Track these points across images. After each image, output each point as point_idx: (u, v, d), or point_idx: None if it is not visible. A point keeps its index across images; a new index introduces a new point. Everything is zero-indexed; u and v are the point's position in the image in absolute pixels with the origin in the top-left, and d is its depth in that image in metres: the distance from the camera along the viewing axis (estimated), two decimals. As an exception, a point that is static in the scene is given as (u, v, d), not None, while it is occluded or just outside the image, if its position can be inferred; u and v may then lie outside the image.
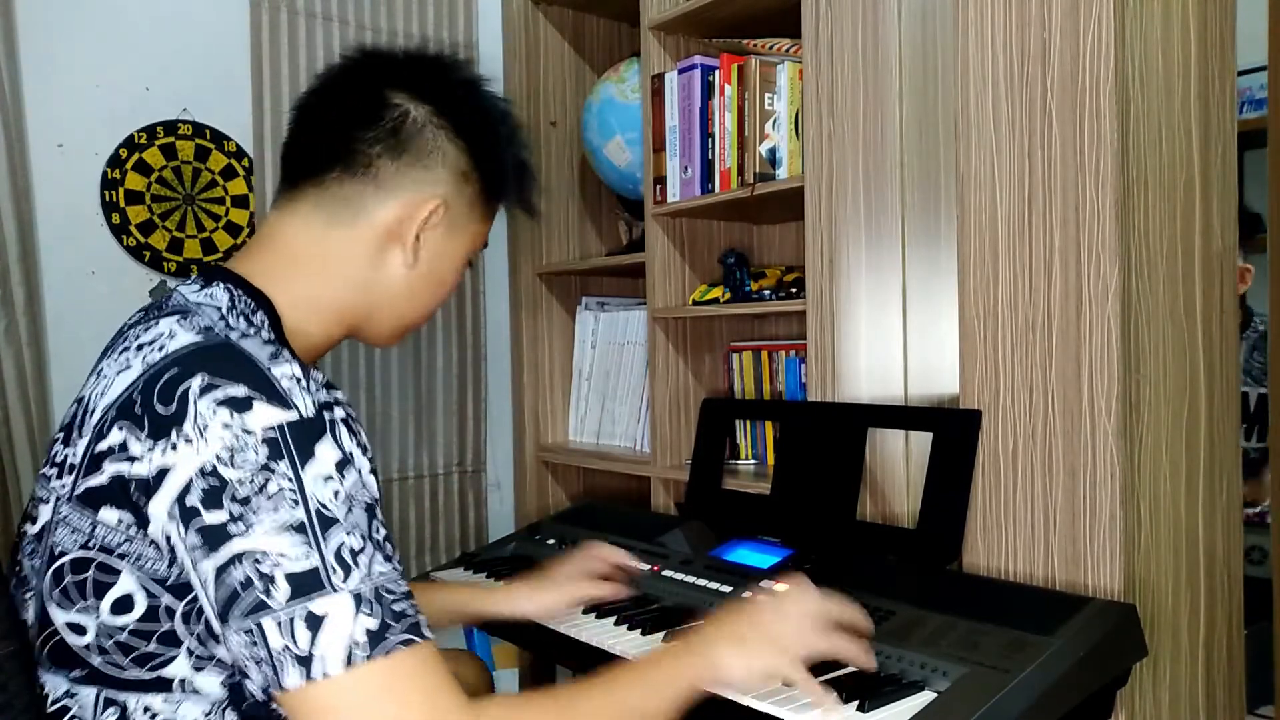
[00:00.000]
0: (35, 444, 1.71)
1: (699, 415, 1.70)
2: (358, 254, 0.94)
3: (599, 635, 1.21)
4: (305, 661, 0.72)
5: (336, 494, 0.75)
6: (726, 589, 1.29)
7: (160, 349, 0.80)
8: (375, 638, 0.73)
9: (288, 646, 0.72)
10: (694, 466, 1.66)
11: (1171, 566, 1.19)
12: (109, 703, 0.80)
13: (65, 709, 0.81)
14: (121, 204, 1.85)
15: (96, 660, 0.80)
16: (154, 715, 0.80)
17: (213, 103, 1.93)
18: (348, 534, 0.75)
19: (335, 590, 0.73)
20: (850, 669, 1.06)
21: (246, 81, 1.95)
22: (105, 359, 0.86)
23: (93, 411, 0.81)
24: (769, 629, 0.98)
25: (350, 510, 0.76)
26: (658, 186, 1.83)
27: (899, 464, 1.44)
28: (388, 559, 0.77)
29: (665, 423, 1.87)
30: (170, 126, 1.89)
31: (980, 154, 1.24)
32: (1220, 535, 1.27)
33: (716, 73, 1.71)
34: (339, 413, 0.79)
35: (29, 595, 0.84)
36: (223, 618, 0.74)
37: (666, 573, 1.38)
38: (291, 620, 0.72)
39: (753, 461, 1.87)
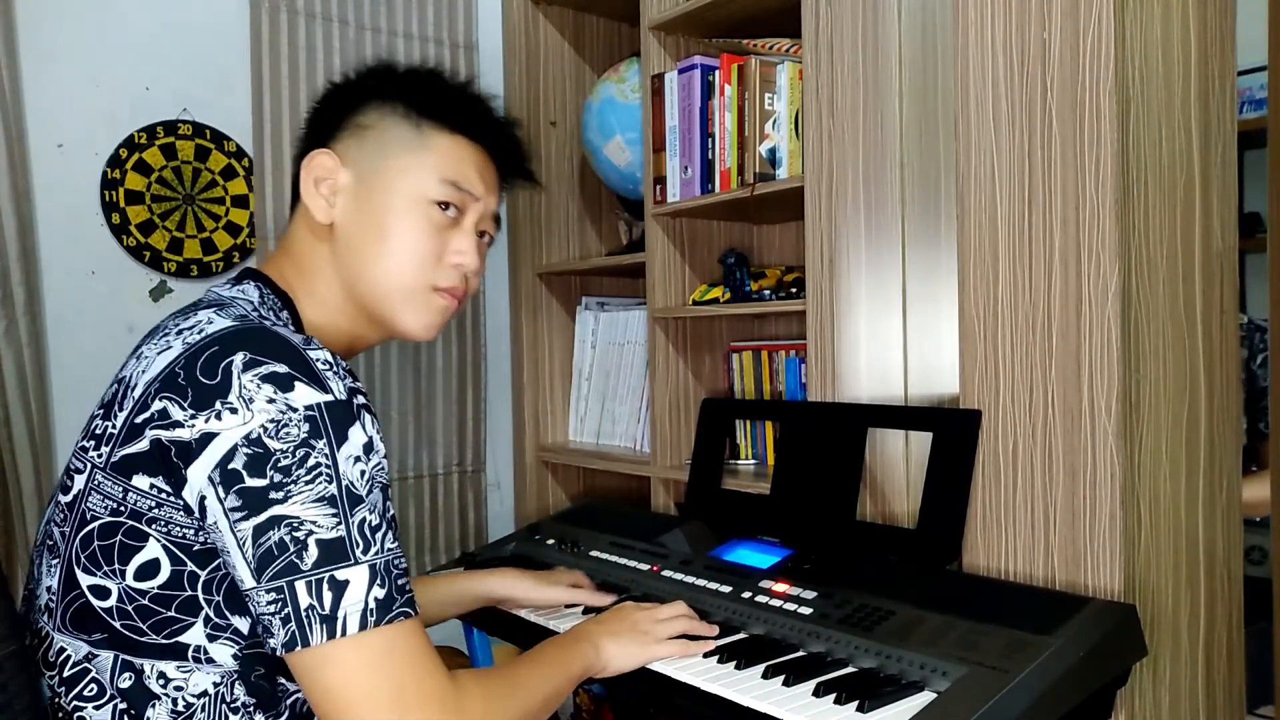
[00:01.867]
0: (35, 444, 1.71)
1: (699, 415, 1.70)
2: (305, 245, 1.02)
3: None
4: (329, 621, 0.79)
5: (362, 474, 0.82)
6: (726, 589, 1.29)
7: (199, 331, 0.86)
8: (383, 606, 0.80)
9: (313, 605, 0.78)
10: (694, 466, 1.66)
11: (1171, 566, 1.19)
12: (125, 666, 0.85)
13: (84, 671, 0.85)
14: (121, 204, 1.85)
15: (117, 624, 0.84)
16: (167, 681, 0.85)
17: (213, 103, 1.93)
18: (369, 512, 0.82)
19: (356, 561, 0.80)
20: (850, 669, 1.06)
21: (246, 81, 1.95)
22: (145, 344, 0.91)
23: (134, 387, 0.85)
24: (634, 625, 1.12)
25: (371, 490, 0.83)
26: (658, 186, 1.83)
27: (899, 464, 1.44)
28: (395, 539, 0.84)
29: (665, 423, 1.87)
30: (170, 126, 1.89)
31: (980, 154, 1.24)
32: (1220, 535, 1.27)
33: (716, 73, 1.71)
34: (363, 400, 0.85)
35: (55, 561, 0.88)
36: (256, 575, 0.79)
37: (666, 573, 1.38)
38: (320, 582, 0.79)
39: (753, 461, 1.87)
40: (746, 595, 1.25)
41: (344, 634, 0.79)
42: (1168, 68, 1.18)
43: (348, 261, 1.00)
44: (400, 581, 0.83)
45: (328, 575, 0.79)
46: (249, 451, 0.79)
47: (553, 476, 2.27)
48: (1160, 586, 1.17)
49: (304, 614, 0.78)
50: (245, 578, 0.80)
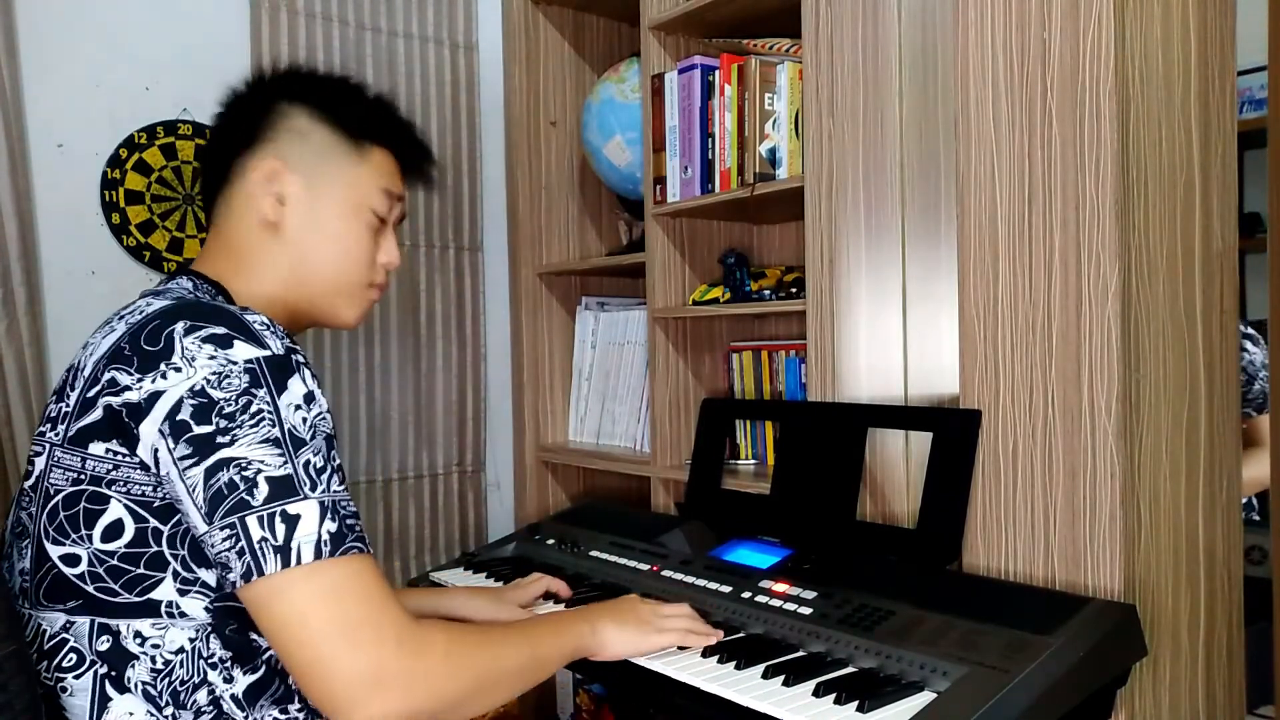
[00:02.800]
0: (35, 444, 1.71)
1: (699, 415, 1.70)
2: (247, 242, 1.07)
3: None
4: (282, 551, 0.82)
5: (304, 420, 0.87)
6: (726, 589, 1.29)
7: (140, 313, 0.92)
8: (336, 539, 0.84)
9: (265, 538, 0.82)
10: (694, 466, 1.66)
11: (1171, 566, 1.19)
12: (102, 629, 0.88)
13: (63, 642, 0.88)
14: (121, 204, 1.85)
15: (90, 588, 0.87)
16: (144, 640, 0.88)
17: (213, 103, 1.91)
18: (313, 454, 0.86)
19: (305, 496, 0.84)
20: (850, 669, 1.06)
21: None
22: (94, 335, 0.97)
23: (84, 369, 0.91)
24: (638, 614, 1.14)
25: (314, 436, 0.87)
26: (658, 186, 1.83)
27: (899, 464, 1.44)
28: (341, 482, 0.88)
29: (665, 423, 1.87)
30: (170, 126, 1.89)
31: (980, 154, 1.24)
32: (1220, 535, 1.27)
33: (716, 73, 1.71)
34: (301, 358, 0.90)
35: (25, 543, 0.91)
36: (208, 518, 0.83)
37: (666, 573, 1.38)
38: (272, 516, 0.82)
39: (753, 461, 1.87)
40: (746, 595, 1.26)
41: (298, 562, 0.82)
42: (1168, 68, 1.18)
43: (295, 260, 1.07)
44: (350, 521, 0.86)
45: (279, 509, 0.82)
46: (194, 402, 0.84)
47: (553, 476, 2.27)
48: (1160, 586, 1.17)
49: (257, 546, 0.82)
50: (198, 523, 0.84)
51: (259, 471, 0.83)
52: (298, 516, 0.83)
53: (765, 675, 1.05)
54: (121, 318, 0.94)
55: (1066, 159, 1.16)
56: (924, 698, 0.98)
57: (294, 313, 1.09)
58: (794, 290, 1.64)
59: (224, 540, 0.83)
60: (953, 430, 1.27)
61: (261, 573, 0.81)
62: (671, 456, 1.86)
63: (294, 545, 0.82)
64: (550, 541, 1.63)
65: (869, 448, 1.42)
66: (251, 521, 0.82)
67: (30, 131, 1.75)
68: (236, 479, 0.82)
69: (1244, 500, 1.41)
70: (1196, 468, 1.23)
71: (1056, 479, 1.17)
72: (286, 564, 0.81)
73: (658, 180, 1.83)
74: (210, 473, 0.83)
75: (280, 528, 0.82)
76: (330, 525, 0.84)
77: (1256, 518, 1.80)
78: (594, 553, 1.53)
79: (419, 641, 0.86)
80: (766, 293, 1.71)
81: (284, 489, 0.83)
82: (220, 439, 0.83)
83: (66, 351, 1.79)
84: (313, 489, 0.84)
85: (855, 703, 0.96)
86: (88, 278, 1.83)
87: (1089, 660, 0.98)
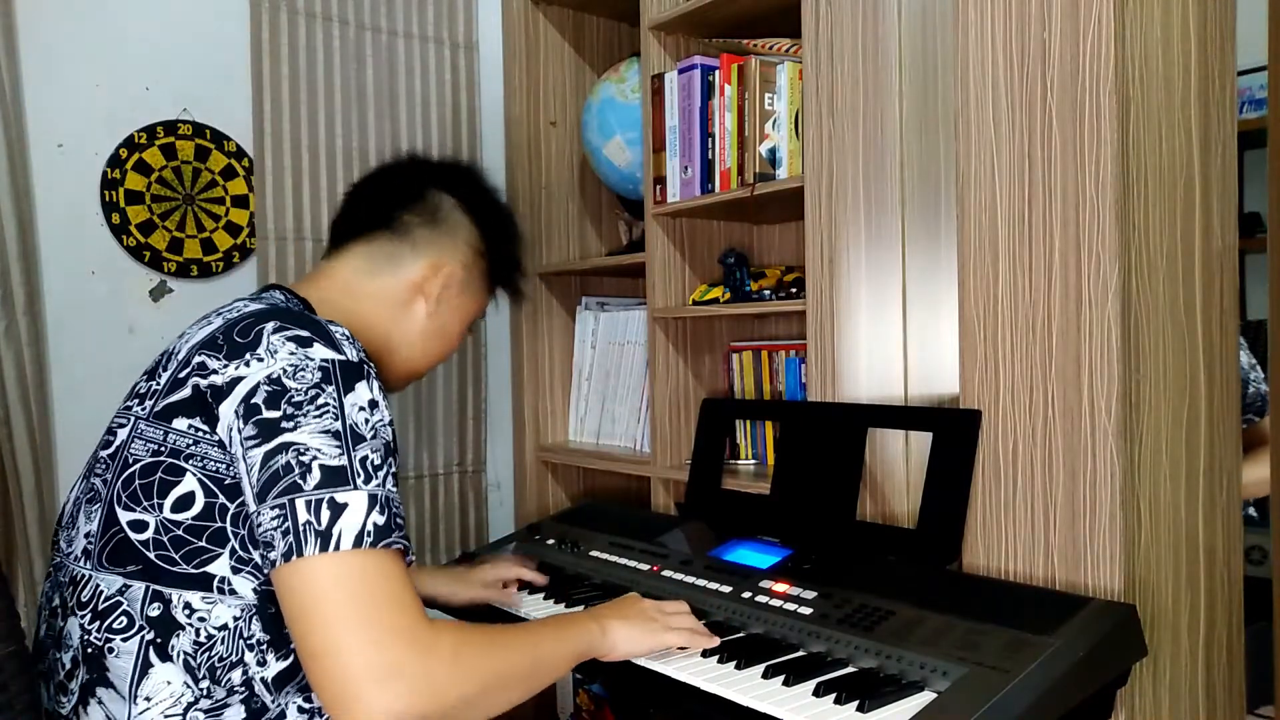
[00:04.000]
0: (35, 444, 1.70)
1: (699, 415, 1.70)
2: (389, 299, 1.17)
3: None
4: (324, 535, 0.85)
5: (367, 420, 0.92)
6: (726, 589, 1.29)
7: (237, 311, 1.01)
8: (381, 532, 0.87)
9: (310, 522, 0.85)
10: (694, 466, 1.66)
11: (1171, 566, 1.19)
12: (155, 596, 0.92)
13: (117, 604, 0.92)
14: (121, 204, 1.85)
15: (151, 554, 0.92)
16: (191, 611, 0.92)
17: (213, 103, 1.93)
18: (371, 451, 0.91)
19: (356, 487, 0.88)
20: (850, 669, 1.06)
21: (246, 81, 1.95)
22: (191, 327, 1.05)
23: (178, 353, 0.99)
24: (643, 612, 1.15)
25: (375, 437, 0.92)
26: (658, 186, 1.83)
27: (899, 464, 1.44)
28: (396, 485, 0.92)
29: (665, 423, 1.87)
30: (170, 126, 1.89)
31: (980, 154, 1.24)
32: (1220, 535, 1.27)
33: (716, 73, 1.71)
34: (374, 371, 0.97)
35: (96, 507, 0.97)
36: (260, 496, 0.87)
37: (666, 573, 1.38)
38: (320, 502, 0.86)
39: (753, 461, 1.87)
40: (746, 595, 1.26)
41: (336, 548, 0.84)
42: (1168, 68, 1.18)
43: (407, 340, 1.19)
44: (399, 519, 0.90)
45: (328, 496, 0.86)
46: (269, 389, 0.90)
47: (553, 476, 2.27)
48: (1160, 586, 1.17)
49: (302, 528, 0.85)
50: (251, 501, 0.88)
51: (315, 458, 0.87)
52: (345, 505, 0.86)
53: (765, 675, 1.05)
54: (220, 314, 1.03)
55: (1066, 159, 1.16)
56: (924, 698, 0.98)
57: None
58: (794, 290, 1.64)
59: (272, 520, 0.86)
60: (953, 430, 1.27)
61: (301, 554, 0.84)
62: (671, 456, 1.86)
63: (336, 531, 0.85)
64: (550, 541, 1.63)
65: (869, 448, 1.42)
66: (300, 504, 0.85)
67: (30, 131, 1.75)
68: (293, 462, 0.87)
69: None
70: (1196, 468, 1.23)
71: (1056, 479, 1.17)
72: (325, 548, 0.84)
73: (658, 180, 1.83)
74: (270, 455, 0.87)
75: (325, 513, 0.85)
76: (378, 518, 0.87)
77: (1254, 514, 1.79)
78: (594, 553, 1.53)
79: (430, 643, 0.86)
80: (766, 293, 1.71)
81: (336, 478, 0.87)
82: (285, 424, 0.88)
83: (66, 351, 1.79)
84: (366, 481, 0.88)
85: (855, 703, 0.96)
86: (88, 278, 1.82)
87: (1089, 660, 0.98)
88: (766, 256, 1.99)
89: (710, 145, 1.73)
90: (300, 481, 0.86)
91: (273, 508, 0.86)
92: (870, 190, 1.44)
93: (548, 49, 2.23)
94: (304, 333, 0.94)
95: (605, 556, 1.51)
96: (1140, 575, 1.14)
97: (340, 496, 0.86)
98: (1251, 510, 1.81)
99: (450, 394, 2.23)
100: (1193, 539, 1.22)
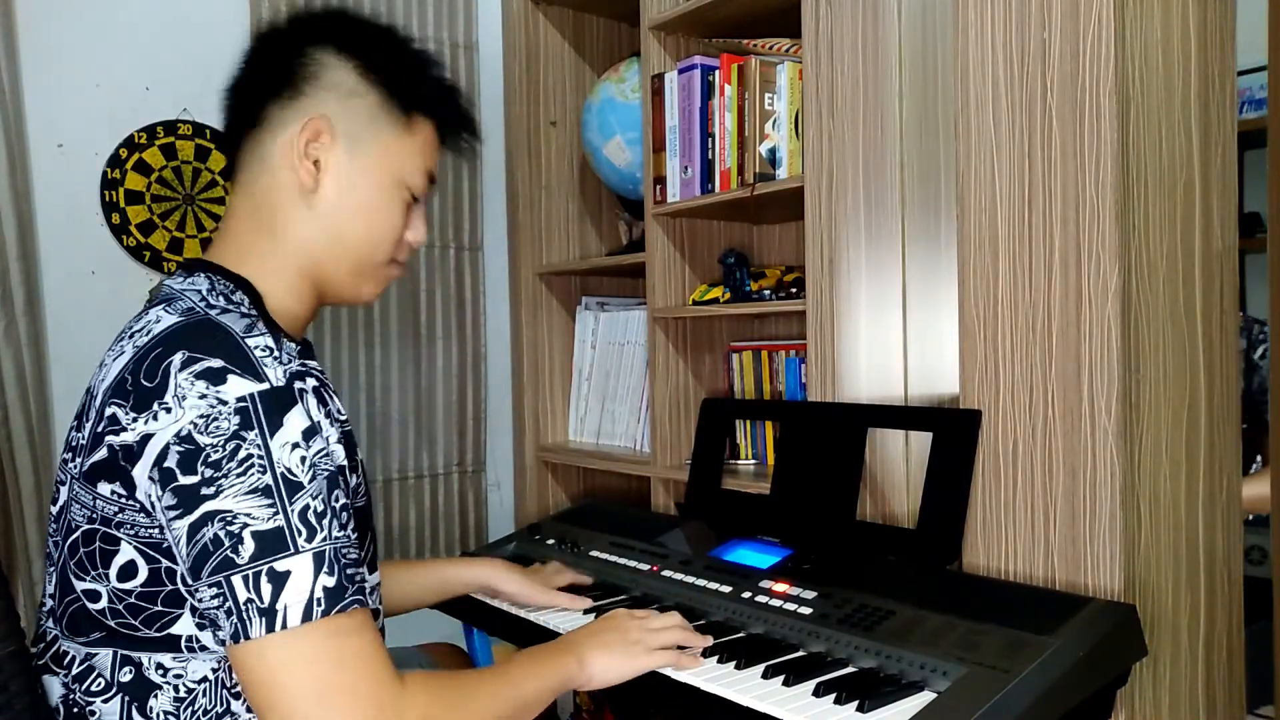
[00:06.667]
0: (35, 444, 1.71)
1: (699, 415, 1.70)
2: (276, 202, 0.99)
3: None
4: (268, 614, 0.77)
5: (303, 459, 0.81)
6: (726, 589, 1.29)
7: (148, 333, 0.87)
8: (333, 595, 0.79)
9: (251, 599, 0.77)
10: (694, 466, 1.66)
11: (1171, 566, 1.19)
12: (125, 661, 0.86)
13: (90, 669, 0.88)
14: (121, 204, 1.85)
15: (111, 623, 0.86)
16: (165, 671, 0.86)
17: (213, 103, 1.91)
18: (312, 498, 0.81)
19: (299, 550, 0.79)
20: (850, 669, 1.06)
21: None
22: (107, 354, 0.92)
23: (96, 397, 0.88)
24: (624, 634, 1.09)
25: (314, 478, 0.82)
26: (658, 186, 1.83)
27: (899, 464, 1.44)
28: (343, 527, 0.83)
29: (665, 423, 1.87)
30: (170, 126, 1.89)
31: (980, 154, 1.24)
32: (1220, 535, 1.27)
33: (716, 73, 1.71)
34: (310, 382, 0.86)
35: (52, 569, 0.91)
36: (194, 573, 0.79)
37: (666, 573, 1.38)
38: (258, 575, 0.78)
39: (753, 461, 1.87)
40: (746, 595, 1.26)
41: (284, 626, 0.77)
42: (1168, 68, 1.18)
43: (325, 232, 0.99)
44: (350, 571, 0.81)
45: (266, 568, 0.78)
46: (180, 449, 0.79)
47: (553, 476, 2.27)
48: (1160, 586, 1.17)
49: (243, 608, 0.77)
50: (187, 575, 0.81)
51: (245, 526, 0.78)
52: (287, 574, 0.78)
53: (765, 675, 1.05)
54: (131, 336, 0.89)
55: (1066, 159, 1.16)
56: (924, 698, 0.98)
57: (315, 288, 1.03)
58: (794, 290, 1.64)
59: (211, 599, 0.79)
60: (953, 430, 1.27)
61: (247, 636, 0.77)
62: (671, 456, 1.86)
63: (280, 607, 0.77)
64: (550, 541, 1.63)
65: (869, 448, 1.42)
66: (237, 581, 0.78)
67: (30, 131, 1.75)
68: (221, 534, 0.78)
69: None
70: (1196, 468, 1.23)
71: (1056, 479, 1.17)
72: (271, 628, 0.77)
73: (658, 180, 1.83)
74: (195, 528, 0.79)
75: (267, 588, 0.77)
76: (327, 580, 0.79)
77: (1251, 517, 1.79)
78: (594, 553, 1.53)
79: (397, 706, 0.81)
80: (766, 293, 1.71)
81: (273, 544, 0.78)
82: (205, 490, 0.78)
83: (66, 351, 1.79)
84: (309, 539, 0.79)
85: (855, 703, 0.96)
86: (88, 278, 1.83)
87: (1089, 660, 0.98)
88: (766, 256, 1.99)
89: (710, 145, 1.73)
90: (233, 555, 0.77)
91: (209, 586, 0.79)
92: (870, 190, 1.44)
93: (548, 49, 2.23)
94: (215, 363, 0.81)
95: (605, 556, 1.50)
96: (1140, 575, 1.14)
97: (280, 565, 0.78)
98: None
99: (450, 394, 2.23)
100: (1193, 539, 1.22)
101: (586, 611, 1.31)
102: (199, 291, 0.94)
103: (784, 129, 1.63)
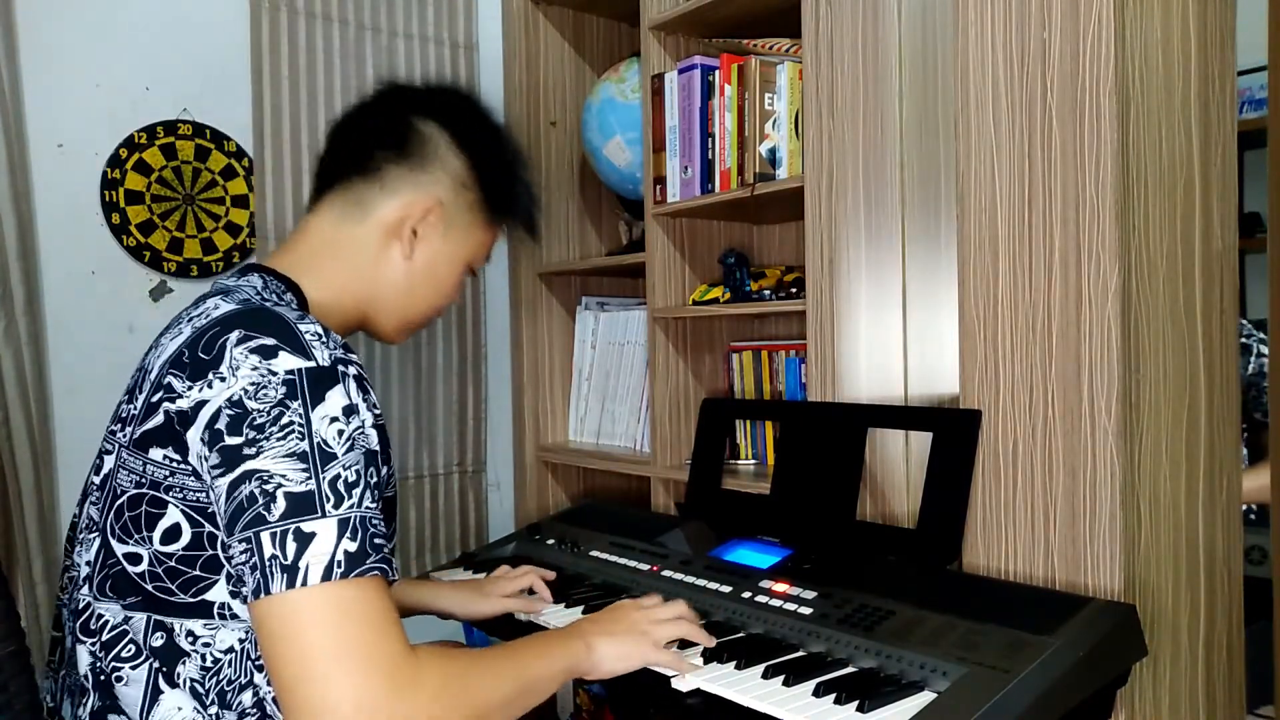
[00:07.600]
0: (35, 443, 1.70)
1: (699, 415, 1.70)
2: (364, 246, 1.10)
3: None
4: (290, 570, 0.80)
5: (340, 433, 0.86)
6: (726, 589, 1.29)
7: (206, 316, 0.94)
8: (353, 559, 0.82)
9: (275, 556, 0.81)
10: (694, 466, 1.66)
11: (1171, 566, 1.19)
12: (157, 626, 0.90)
13: (123, 634, 0.91)
14: (121, 204, 1.85)
15: (149, 586, 0.90)
16: (195, 639, 0.90)
17: (213, 103, 1.93)
18: (344, 469, 0.85)
19: (325, 514, 0.82)
20: (850, 669, 1.06)
21: (246, 81, 1.94)
22: (162, 335, 0.99)
23: (151, 371, 0.94)
24: (632, 626, 1.11)
25: (350, 450, 0.86)
26: (658, 186, 1.83)
27: (899, 464, 1.44)
28: (375, 501, 0.87)
29: (665, 423, 1.87)
30: (170, 126, 1.89)
31: (980, 154, 1.24)
32: (1220, 535, 1.27)
33: (716, 73, 1.71)
34: (352, 370, 0.91)
35: (94, 535, 0.94)
36: (229, 529, 0.83)
37: (666, 573, 1.38)
38: (285, 533, 0.81)
39: (753, 461, 1.87)
40: (746, 595, 1.26)
41: (304, 583, 0.80)
42: (1168, 68, 1.18)
43: (396, 288, 1.11)
44: (376, 540, 0.84)
45: (293, 527, 0.81)
46: (230, 413, 0.84)
47: (553, 476, 2.27)
48: (1160, 586, 1.17)
49: (268, 563, 0.81)
50: (223, 531, 0.85)
51: (279, 486, 0.82)
52: (312, 535, 0.81)
53: (765, 675, 1.05)
54: (190, 320, 0.96)
55: (1066, 159, 1.16)
56: (924, 698, 0.98)
57: (359, 319, 1.13)
58: (794, 290, 1.64)
59: (240, 554, 0.82)
60: (953, 430, 1.27)
61: (269, 591, 0.80)
62: (671, 456, 1.86)
63: (303, 565, 0.80)
64: (550, 541, 1.63)
65: (869, 448, 1.42)
66: (265, 536, 0.81)
67: (30, 131, 1.75)
68: (257, 492, 0.82)
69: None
70: (1196, 468, 1.23)
71: (1056, 479, 1.17)
72: (292, 584, 0.80)
73: (658, 180, 1.83)
74: (234, 484, 0.83)
75: (291, 546, 0.81)
76: (349, 544, 0.82)
77: (1254, 514, 1.80)
78: (594, 553, 1.53)
79: (410, 678, 0.82)
80: (766, 293, 1.71)
81: (302, 505, 0.82)
82: (247, 450, 0.83)
83: (65, 352, 1.79)
84: (336, 505, 0.83)
85: (855, 703, 0.96)
86: (88, 278, 1.82)
87: (1089, 660, 0.98)
88: (766, 256, 1.99)
89: (710, 145, 1.73)
90: (265, 512, 0.81)
91: (240, 541, 0.82)
92: (870, 190, 1.44)
93: (548, 49, 2.23)
94: (269, 340, 0.88)
95: (605, 556, 1.50)
96: (1140, 575, 1.14)
97: (307, 526, 0.81)
98: (1252, 511, 1.81)
99: (450, 394, 2.23)
100: (1193, 539, 1.22)
101: (568, 607, 1.31)
102: (254, 287, 1.02)
103: (784, 129, 1.63)
